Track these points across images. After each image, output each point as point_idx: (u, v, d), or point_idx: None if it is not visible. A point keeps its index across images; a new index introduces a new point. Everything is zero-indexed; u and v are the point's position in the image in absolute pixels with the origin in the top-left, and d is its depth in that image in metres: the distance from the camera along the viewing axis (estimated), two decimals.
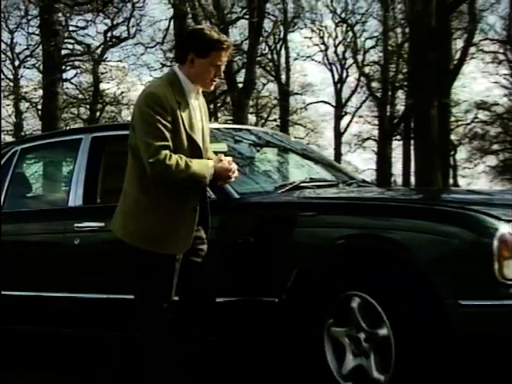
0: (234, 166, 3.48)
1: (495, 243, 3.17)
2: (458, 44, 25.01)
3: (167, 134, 3.28)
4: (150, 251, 3.37)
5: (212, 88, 3.57)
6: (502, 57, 29.20)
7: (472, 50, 25.69)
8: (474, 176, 33.26)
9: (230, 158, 3.51)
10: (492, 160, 32.85)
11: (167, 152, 3.25)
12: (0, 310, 4.87)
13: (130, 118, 3.65)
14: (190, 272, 3.48)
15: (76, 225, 4.61)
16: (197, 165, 3.33)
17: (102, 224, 4.46)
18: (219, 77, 3.52)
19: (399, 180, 29.95)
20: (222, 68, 3.46)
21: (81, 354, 5.39)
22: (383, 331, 3.40)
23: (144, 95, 3.38)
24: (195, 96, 3.50)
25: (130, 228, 3.43)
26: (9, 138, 26.07)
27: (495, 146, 31.93)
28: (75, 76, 24.94)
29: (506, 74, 29.64)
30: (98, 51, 24.37)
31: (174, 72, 3.47)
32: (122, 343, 4.53)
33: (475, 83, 47.37)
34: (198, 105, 3.53)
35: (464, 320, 3.21)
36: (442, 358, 3.28)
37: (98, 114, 26.93)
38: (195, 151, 3.40)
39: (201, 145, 3.45)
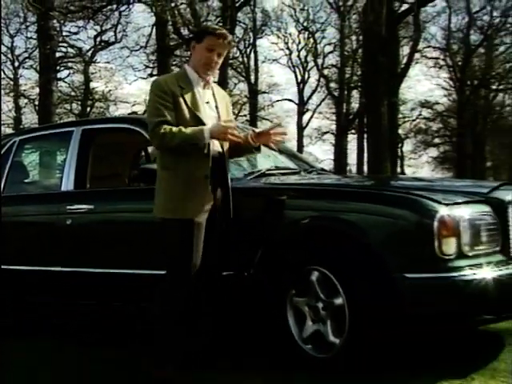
0: (231, 124, 3.36)
1: (435, 224, 3.18)
2: (405, 50, 25.27)
3: (165, 112, 3.31)
4: (172, 219, 3.34)
5: (208, 73, 3.47)
6: (442, 62, 29.72)
7: (417, 55, 26.00)
8: (419, 166, 33.67)
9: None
10: (434, 152, 33.34)
11: (164, 125, 3.29)
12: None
13: (116, 114, 3.63)
14: (207, 241, 3.41)
15: (68, 207, 4.56)
16: (190, 130, 3.31)
17: (91, 206, 4.43)
18: (215, 63, 3.46)
19: (354, 169, 30.12)
20: (218, 56, 3.44)
21: (76, 322, 5.36)
22: (339, 301, 3.41)
23: (150, 85, 3.45)
24: (203, 85, 3.49)
25: (157, 202, 3.44)
26: (9, 130, 25.87)
27: (436, 140, 32.40)
28: (68, 76, 24.76)
29: (445, 77, 30.12)
30: (89, 54, 24.13)
31: (183, 68, 3.58)
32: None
33: (419, 85, 47.86)
34: (210, 94, 3.53)
35: (409, 291, 3.21)
36: (390, 323, 3.30)
37: (88, 109, 26.63)
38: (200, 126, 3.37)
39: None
